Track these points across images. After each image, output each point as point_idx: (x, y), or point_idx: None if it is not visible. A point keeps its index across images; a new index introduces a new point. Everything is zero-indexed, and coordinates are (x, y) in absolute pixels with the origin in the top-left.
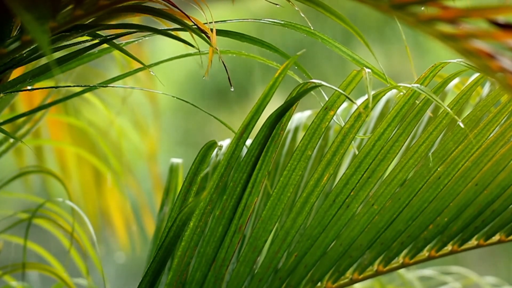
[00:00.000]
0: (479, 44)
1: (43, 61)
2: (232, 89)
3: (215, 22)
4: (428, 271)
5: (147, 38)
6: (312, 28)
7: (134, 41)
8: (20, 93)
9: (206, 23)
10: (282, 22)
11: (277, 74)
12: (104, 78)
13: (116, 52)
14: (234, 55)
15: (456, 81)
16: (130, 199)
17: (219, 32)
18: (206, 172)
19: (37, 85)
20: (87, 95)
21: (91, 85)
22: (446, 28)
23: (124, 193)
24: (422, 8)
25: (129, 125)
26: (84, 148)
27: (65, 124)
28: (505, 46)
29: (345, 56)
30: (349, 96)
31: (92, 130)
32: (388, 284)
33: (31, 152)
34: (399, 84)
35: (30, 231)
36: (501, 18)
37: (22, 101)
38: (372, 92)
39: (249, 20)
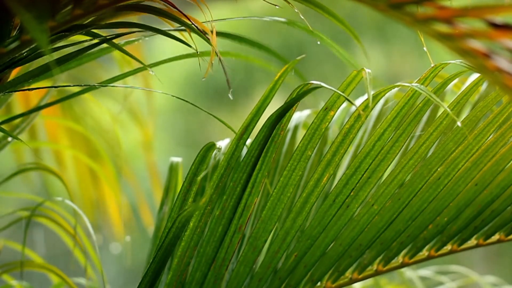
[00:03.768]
0: (475, 44)
1: (41, 61)
2: (231, 90)
3: (215, 20)
4: (428, 271)
5: (147, 38)
6: (311, 28)
7: (134, 40)
8: (17, 92)
9: (205, 22)
10: (283, 20)
11: (277, 77)
12: (101, 76)
13: (116, 52)
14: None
15: (455, 81)
16: (128, 192)
17: (219, 34)
18: (206, 172)
19: (35, 85)
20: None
21: (91, 84)
22: (442, 27)
23: (120, 187)
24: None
25: (126, 120)
26: (80, 145)
27: (61, 119)
28: (502, 46)
29: (343, 59)
30: (348, 96)
31: (89, 124)
32: (388, 284)
33: (27, 149)
34: (399, 83)
35: (30, 229)
36: (498, 18)
37: (18, 100)
38: (372, 92)
39: (250, 17)
